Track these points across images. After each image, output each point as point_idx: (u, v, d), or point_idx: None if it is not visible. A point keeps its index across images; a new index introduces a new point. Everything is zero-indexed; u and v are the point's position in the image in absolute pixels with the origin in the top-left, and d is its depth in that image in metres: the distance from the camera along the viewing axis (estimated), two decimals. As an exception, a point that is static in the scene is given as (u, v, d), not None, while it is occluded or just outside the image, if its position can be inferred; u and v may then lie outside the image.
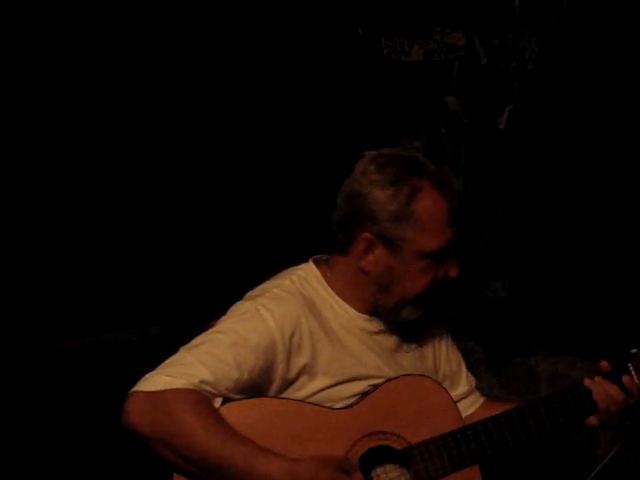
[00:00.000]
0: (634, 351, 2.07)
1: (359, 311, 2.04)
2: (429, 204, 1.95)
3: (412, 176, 1.96)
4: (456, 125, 3.60)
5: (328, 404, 1.96)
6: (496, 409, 2.05)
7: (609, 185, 3.34)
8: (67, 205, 3.59)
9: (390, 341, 2.08)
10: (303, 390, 1.96)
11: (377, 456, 1.97)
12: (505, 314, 3.57)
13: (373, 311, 2.05)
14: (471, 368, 2.25)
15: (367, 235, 1.98)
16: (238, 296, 2.04)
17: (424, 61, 3.69)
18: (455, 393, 2.15)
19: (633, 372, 2.04)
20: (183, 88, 3.73)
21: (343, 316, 2.03)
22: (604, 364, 2.06)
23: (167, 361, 1.87)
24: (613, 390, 2.03)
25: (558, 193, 3.46)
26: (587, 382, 2.04)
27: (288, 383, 1.95)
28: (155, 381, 1.82)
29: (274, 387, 1.93)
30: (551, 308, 3.50)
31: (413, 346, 2.12)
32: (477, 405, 2.20)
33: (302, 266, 2.10)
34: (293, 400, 1.94)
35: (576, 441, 3.15)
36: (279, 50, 3.86)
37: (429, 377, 2.07)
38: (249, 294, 2.04)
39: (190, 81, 3.74)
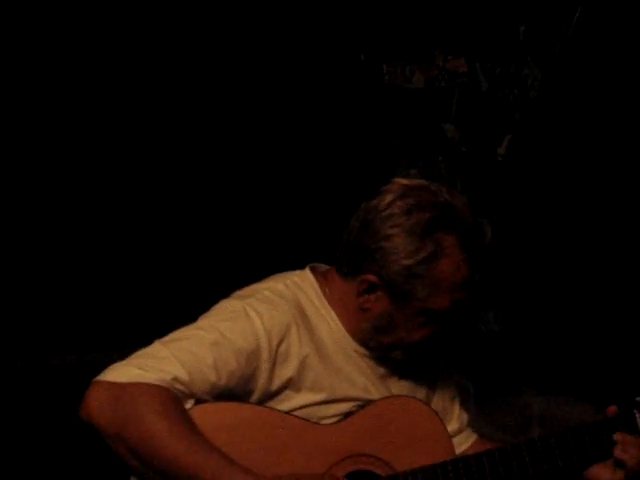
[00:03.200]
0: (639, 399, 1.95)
1: (351, 336, 1.93)
2: (449, 267, 1.83)
3: (440, 230, 1.82)
4: (454, 153, 3.54)
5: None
6: (488, 448, 1.92)
7: (609, 219, 3.26)
8: (64, 217, 3.53)
9: (382, 366, 1.97)
10: (285, 404, 1.84)
11: None
12: (497, 349, 3.47)
13: (364, 343, 1.93)
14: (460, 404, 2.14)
15: (372, 278, 1.86)
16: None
17: (425, 88, 3.63)
18: None
19: (639, 420, 1.92)
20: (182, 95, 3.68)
21: (336, 332, 1.92)
22: (612, 409, 1.94)
23: (139, 352, 1.75)
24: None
25: (556, 225, 3.38)
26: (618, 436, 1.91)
27: (269, 395, 1.82)
28: (123, 372, 1.69)
29: (254, 398, 1.81)
30: (544, 345, 3.40)
31: (406, 375, 2.00)
32: (468, 443, 2.09)
33: (298, 272, 1.98)
34: (274, 410, 1.81)
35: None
36: (279, 74, 3.81)
37: (422, 401, 1.96)
38: (237, 293, 1.92)
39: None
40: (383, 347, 1.92)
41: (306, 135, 3.80)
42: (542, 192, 3.41)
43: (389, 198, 1.86)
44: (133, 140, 3.61)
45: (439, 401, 2.07)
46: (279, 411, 1.81)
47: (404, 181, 1.91)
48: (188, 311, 1.90)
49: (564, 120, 3.34)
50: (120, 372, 1.69)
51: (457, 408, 2.12)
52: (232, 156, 3.72)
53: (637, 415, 1.93)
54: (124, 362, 1.72)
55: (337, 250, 1.94)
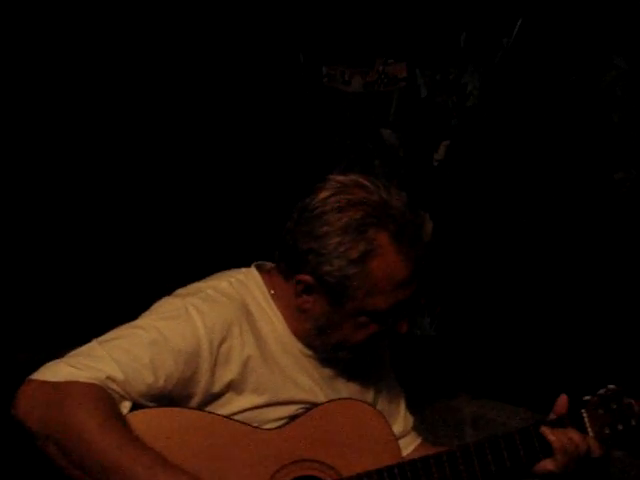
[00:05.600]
0: (587, 398, 1.95)
1: (296, 337, 1.89)
2: (384, 265, 1.78)
3: (372, 228, 1.77)
4: (391, 158, 3.54)
5: (254, 425, 1.80)
6: (433, 451, 1.91)
7: (543, 224, 3.30)
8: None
9: (329, 368, 1.94)
10: (227, 407, 1.79)
11: None
12: (431, 354, 3.48)
13: (309, 343, 1.90)
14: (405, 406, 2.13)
15: (308, 278, 1.82)
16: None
17: (363, 92, 3.63)
18: None
19: (587, 420, 1.92)
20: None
21: (281, 333, 1.88)
22: (563, 399, 1.93)
23: (75, 351, 1.70)
24: (572, 432, 1.89)
25: (490, 231, 3.40)
26: (543, 428, 1.90)
27: (211, 398, 1.78)
28: (55, 370, 1.64)
29: (195, 400, 1.76)
30: (479, 350, 3.42)
31: (353, 377, 1.98)
32: (413, 446, 2.08)
33: (243, 270, 1.93)
34: (216, 414, 1.77)
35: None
36: (218, 72, 3.78)
37: (368, 404, 1.93)
38: (180, 291, 1.87)
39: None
40: (328, 348, 1.89)
41: (243, 134, 3.78)
42: (477, 198, 3.43)
43: (322, 196, 1.82)
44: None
45: (385, 403, 2.06)
46: (221, 416, 1.77)
47: (339, 177, 1.85)
48: (131, 310, 1.87)
49: (500, 128, 3.37)
50: (53, 370, 1.65)
51: (402, 410, 2.11)
52: (173, 154, 3.69)
53: (584, 415, 1.92)
54: (58, 361, 1.67)
55: (275, 250, 1.91)
